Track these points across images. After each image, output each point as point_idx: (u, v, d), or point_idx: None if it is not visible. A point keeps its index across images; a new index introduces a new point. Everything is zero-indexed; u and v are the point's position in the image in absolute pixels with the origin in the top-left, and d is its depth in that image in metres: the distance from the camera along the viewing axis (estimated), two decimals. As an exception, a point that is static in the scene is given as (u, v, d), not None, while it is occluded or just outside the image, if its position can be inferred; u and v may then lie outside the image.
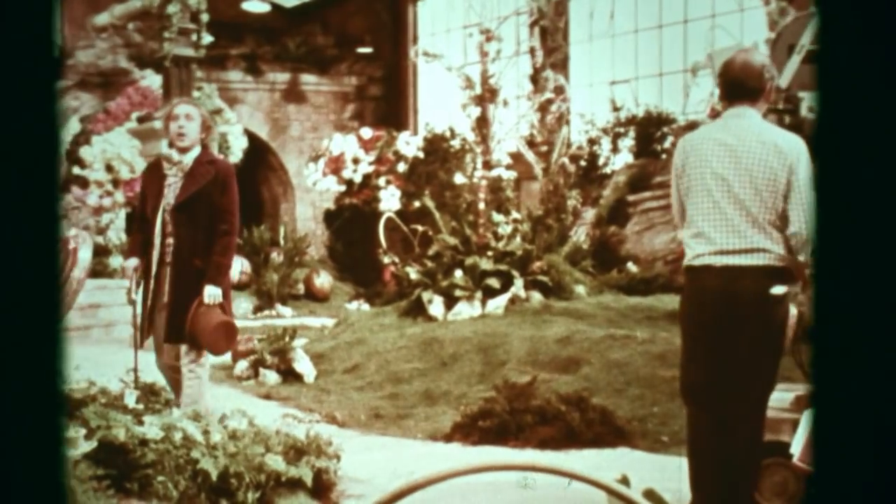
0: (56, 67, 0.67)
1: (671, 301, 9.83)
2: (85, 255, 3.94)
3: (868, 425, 0.67)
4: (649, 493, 2.80)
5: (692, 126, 12.90)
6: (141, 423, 4.38)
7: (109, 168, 13.95)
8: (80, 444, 3.64)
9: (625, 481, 2.75)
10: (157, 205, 5.46)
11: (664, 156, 13.71)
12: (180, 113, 5.57)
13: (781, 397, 4.33)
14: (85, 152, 13.94)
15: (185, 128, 5.51)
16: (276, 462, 4.55)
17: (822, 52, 0.68)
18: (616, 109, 14.77)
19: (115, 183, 14.00)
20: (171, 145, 5.61)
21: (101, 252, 12.76)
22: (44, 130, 0.67)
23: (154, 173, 5.59)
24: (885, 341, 0.66)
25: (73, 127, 14.80)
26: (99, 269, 12.38)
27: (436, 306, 9.76)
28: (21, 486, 0.66)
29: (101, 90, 15.51)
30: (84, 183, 14.08)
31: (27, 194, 0.67)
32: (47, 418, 0.68)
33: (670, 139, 13.76)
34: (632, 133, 14.40)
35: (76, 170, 13.58)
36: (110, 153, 13.90)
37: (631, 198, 13.40)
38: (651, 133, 14.13)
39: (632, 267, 12.24)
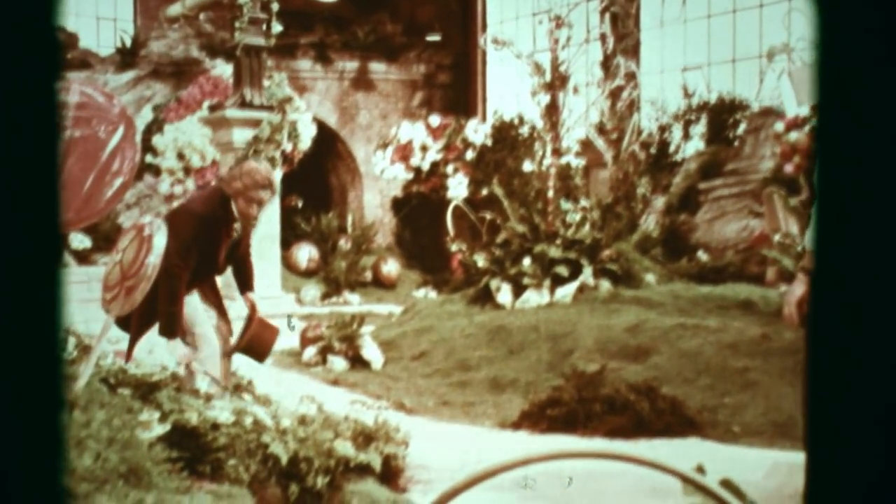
0: (57, 58, 0.66)
1: (743, 290, 9.66)
2: (159, 242, 3.99)
3: (868, 425, 0.66)
4: (726, 483, 2.74)
5: (767, 113, 12.66)
6: (212, 407, 4.43)
7: (181, 156, 14.16)
8: (154, 427, 3.69)
9: (700, 471, 2.70)
10: (225, 251, 5.59)
11: (736, 143, 13.48)
12: (260, 199, 5.49)
13: None
14: (157, 141, 14.17)
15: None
16: (345, 447, 4.57)
17: (821, 50, 0.66)
18: (688, 96, 14.55)
19: (187, 171, 14.20)
20: (240, 213, 5.53)
21: (173, 239, 12.94)
22: (44, 121, 0.66)
23: (227, 230, 5.54)
24: (885, 341, 0.65)
25: (146, 116, 15.05)
26: (171, 256, 12.54)
27: (504, 294, 9.72)
28: (21, 484, 0.65)
29: (174, 79, 15.74)
30: (156, 171, 14.32)
31: (28, 185, 0.65)
32: (48, 414, 0.67)
33: (743, 126, 13.52)
34: (703, 120, 14.17)
35: (148, 158, 13.80)
36: (182, 141, 14.10)
37: (702, 185, 13.20)
38: (724, 120, 13.89)
39: (702, 255, 12.07)
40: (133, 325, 5.30)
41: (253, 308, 5.82)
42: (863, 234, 0.65)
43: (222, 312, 5.84)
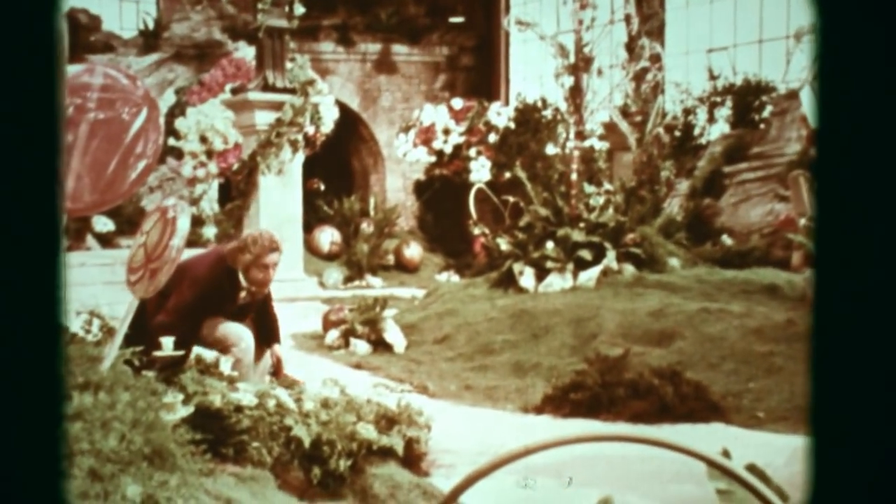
0: (55, 43, 0.63)
1: (768, 275, 9.59)
2: (183, 224, 3.99)
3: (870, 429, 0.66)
4: (751, 468, 2.70)
5: (793, 95, 12.54)
6: (235, 389, 4.44)
7: (203, 139, 14.19)
8: (178, 409, 3.70)
9: (726, 455, 2.66)
10: (230, 312, 5.58)
11: (762, 126, 13.36)
12: (272, 262, 5.47)
13: None
14: (180, 124, 14.20)
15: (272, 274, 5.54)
16: (367, 431, 4.57)
17: (822, 47, 0.65)
18: (713, 78, 14.43)
19: (209, 154, 14.23)
20: (248, 280, 5.49)
21: (194, 222, 12.99)
22: (44, 107, 0.64)
23: (232, 298, 5.53)
24: (886, 342, 0.64)
25: (168, 99, 15.09)
26: (193, 240, 12.60)
27: (527, 278, 9.69)
28: (21, 487, 0.64)
29: (196, 62, 15.76)
30: (179, 154, 14.36)
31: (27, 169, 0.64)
32: (47, 414, 0.65)
33: (769, 109, 13.39)
34: (729, 102, 14.05)
35: (171, 141, 13.84)
36: (204, 124, 14.13)
37: (727, 169, 13.10)
38: (749, 102, 13.76)
39: (726, 240, 12.00)
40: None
41: (278, 363, 5.72)
42: (864, 223, 0.64)
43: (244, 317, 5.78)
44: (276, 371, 5.70)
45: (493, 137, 15.59)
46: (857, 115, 0.65)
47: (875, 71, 0.64)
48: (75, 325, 4.25)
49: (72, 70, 3.97)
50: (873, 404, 0.65)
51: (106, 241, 13.72)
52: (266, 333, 5.77)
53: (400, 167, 17.99)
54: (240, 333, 5.52)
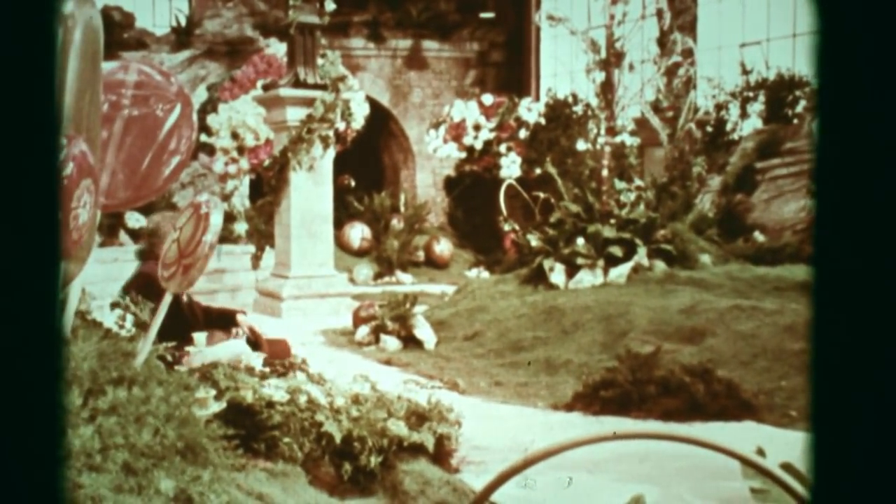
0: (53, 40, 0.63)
1: (800, 271, 9.51)
2: (216, 220, 4.00)
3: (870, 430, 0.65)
4: (787, 467, 2.69)
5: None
6: (267, 385, 4.46)
7: (235, 135, 14.25)
8: (211, 404, 3.72)
9: (761, 454, 2.65)
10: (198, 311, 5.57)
11: (795, 121, 13.23)
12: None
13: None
14: (212, 120, 14.27)
15: None
16: (398, 427, 4.58)
17: (821, 42, 0.64)
18: (746, 73, 14.30)
19: (241, 150, 14.30)
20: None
21: (226, 218, 13.07)
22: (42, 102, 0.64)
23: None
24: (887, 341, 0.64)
25: (200, 95, 15.17)
26: (224, 235, 12.69)
27: (557, 274, 9.67)
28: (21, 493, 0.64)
29: (228, 59, 15.84)
30: (211, 150, 14.43)
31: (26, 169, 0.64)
32: (47, 421, 0.66)
33: (802, 103, 13.26)
34: (761, 97, 13.92)
35: (203, 137, 13.90)
36: (236, 120, 14.19)
37: (759, 165, 12.99)
38: (782, 97, 13.63)
39: (759, 236, 11.90)
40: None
41: (252, 331, 5.61)
42: (865, 221, 0.64)
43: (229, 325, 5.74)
44: (256, 339, 5.58)
45: (523, 133, 15.57)
46: (857, 115, 0.64)
47: (876, 70, 0.63)
48: (109, 320, 4.28)
49: (106, 67, 3.99)
50: (874, 402, 0.64)
51: (138, 236, 13.83)
52: (222, 320, 5.70)
53: (430, 163, 17.99)
54: (233, 350, 5.30)
